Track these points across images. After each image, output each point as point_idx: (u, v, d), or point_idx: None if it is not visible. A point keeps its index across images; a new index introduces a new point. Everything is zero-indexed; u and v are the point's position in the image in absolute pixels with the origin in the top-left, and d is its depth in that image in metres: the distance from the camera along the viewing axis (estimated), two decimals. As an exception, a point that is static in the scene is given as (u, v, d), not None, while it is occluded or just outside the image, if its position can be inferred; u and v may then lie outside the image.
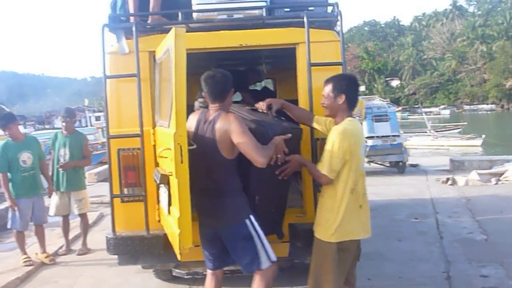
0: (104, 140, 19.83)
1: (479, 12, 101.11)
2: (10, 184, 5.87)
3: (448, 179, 10.79)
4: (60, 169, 6.21)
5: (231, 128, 3.11)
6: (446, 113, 68.41)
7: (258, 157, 3.01)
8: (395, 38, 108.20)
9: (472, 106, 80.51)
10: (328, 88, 3.32)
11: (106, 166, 8.53)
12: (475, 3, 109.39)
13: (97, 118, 50.79)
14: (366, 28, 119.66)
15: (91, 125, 36.72)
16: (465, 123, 36.68)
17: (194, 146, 3.18)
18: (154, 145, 3.96)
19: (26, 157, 5.94)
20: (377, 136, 13.00)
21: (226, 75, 3.36)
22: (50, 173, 6.34)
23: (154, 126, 4.01)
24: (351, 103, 3.30)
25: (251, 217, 3.27)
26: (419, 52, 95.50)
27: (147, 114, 4.00)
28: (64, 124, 6.38)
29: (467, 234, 6.68)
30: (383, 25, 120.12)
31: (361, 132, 3.36)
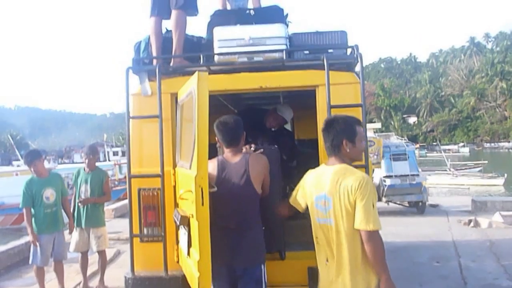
0: (121, 176, 20.09)
1: (498, 49, 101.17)
2: (32, 220, 5.95)
3: (470, 221, 10.54)
4: (80, 204, 6.29)
5: (265, 168, 3.49)
6: (465, 151, 67.74)
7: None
8: (411, 75, 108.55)
9: (492, 144, 79.64)
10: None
11: (123, 202, 8.60)
12: (493, 39, 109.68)
13: (115, 153, 51.45)
14: (382, 65, 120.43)
15: (109, 160, 37.11)
16: (486, 161, 36.18)
17: (215, 189, 3.21)
18: (175, 186, 3.99)
19: (49, 194, 6.03)
20: (396, 175, 12.87)
21: (238, 121, 3.55)
22: (71, 209, 6.41)
23: (174, 167, 4.04)
24: None
25: (264, 265, 3.41)
26: (436, 89, 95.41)
27: (168, 154, 4.05)
28: (86, 161, 6.49)
29: (492, 279, 6.47)
30: (399, 62, 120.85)
31: None
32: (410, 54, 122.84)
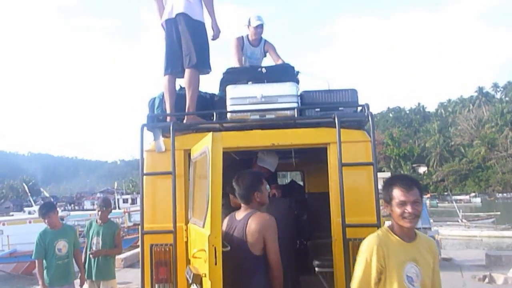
0: (131, 224, 20.03)
1: (507, 99, 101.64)
2: (44, 271, 5.97)
3: (485, 277, 10.27)
4: (91, 256, 6.33)
5: (266, 233, 3.32)
6: (477, 201, 66.92)
7: (275, 263, 3.33)
8: (420, 124, 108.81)
9: (505, 194, 78.62)
10: (417, 192, 2.76)
11: (133, 251, 8.59)
12: (502, 89, 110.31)
13: (125, 201, 51.52)
14: (390, 115, 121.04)
15: (119, 208, 37.13)
16: (498, 212, 35.62)
17: (228, 248, 3.22)
18: (187, 241, 3.99)
19: (62, 245, 6.06)
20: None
21: (253, 178, 3.55)
22: (83, 261, 6.43)
23: (187, 223, 4.06)
24: None
25: None
26: (446, 139, 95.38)
27: (181, 210, 4.07)
28: (99, 213, 6.57)
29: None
30: (407, 112, 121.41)
31: None
32: (419, 103, 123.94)
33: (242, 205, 3.53)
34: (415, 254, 2.75)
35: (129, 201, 53.12)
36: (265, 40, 6.05)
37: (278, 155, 6.05)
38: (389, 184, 2.82)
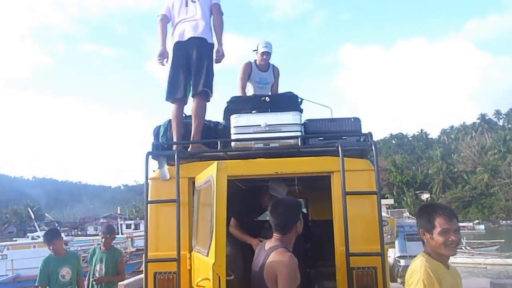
0: (133, 249, 19.91)
1: (509, 126, 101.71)
2: None
3: (490, 305, 10.17)
4: (94, 283, 6.30)
5: (281, 272, 3.01)
6: (481, 228, 66.41)
7: None
8: (423, 151, 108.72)
9: (509, 221, 77.98)
10: (457, 221, 2.82)
11: (136, 278, 8.58)
12: (505, 116, 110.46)
13: (128, 226, 51.27)
14: (393, 141, 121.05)
15: (122, 233, 36.95)
16: (503, 240, 35.31)
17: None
18: (190, 270, 3.99)
19: (65, 272, 6.05)
20: (410, 256, 12.64)
21: (291, 207, 3.32)
22: None
23: (190, 251, 4.06)
24: None
25: None
26: (448, 165, 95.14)
27: (184, 238, 4.08)
28: (103, 240, 6.56)
29: None
30: (410, 138, 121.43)
31: None
32: (421, 130, 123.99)
33: (275, 235, 3.25)
34: (453, 282, 2.79)
35: (132, 226, 52.85)
36: (273, 66, 6.14)
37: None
38: (430, 212, 2.80)
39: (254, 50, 6.07)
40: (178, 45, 4.75)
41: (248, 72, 6.00)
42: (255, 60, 6.08)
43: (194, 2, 4.78)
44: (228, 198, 3.05)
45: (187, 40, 4.68)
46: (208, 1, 4.81)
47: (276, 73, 6.14)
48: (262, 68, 6.03)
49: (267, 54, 5.98)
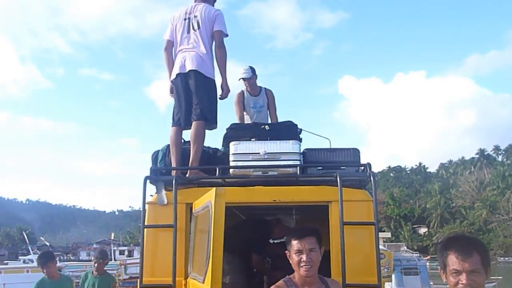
0: (126, 276, 19.71)
1: (508, 162, 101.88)
2: None
3: None
4: None
5: None
6: (479, 264, 65.67)
7: None
8: (421, 185, 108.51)
9: (506, 258, 77.27)
10: (478, 259, 2.32)
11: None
12: (504, 152, 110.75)
13: (121, 252, 50.77)
14: (391, 174, 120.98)
15: (115, 260, 36.63)
16: (500, 277, 34.89)
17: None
18: (185, 296, 3.94)
19: None
20: (407, 290, 12.51)
21: None
22: None
23: (186, 277, 4.02)
24: None
25: None
26: (447, 200, 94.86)
27: (180, 264, 4.04)
28: (96, 265, 6.52)
29: None
30: (408, 171, 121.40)
31: None
32: (420, 163, 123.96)
33: None
34: None
35: (126, 253, 52.35)
36: (265, 88, 6.24)
37: (278, 211, 6.05)
38: (444, 246, 2.44)
39: (239, 79, 6.17)
40: (179, 76, 4.80)
41: (242, 100, 6.13)
42: (246, 88, 6.21)
43: (195, 31, 4.80)
44: (235, 229, 3.09)
45: (187, 72, 4.74)
46: (209, 28, 4.81)
47: (269, 95, 6.24)
48: (253, 93, 6.17)
49: (246, 80, 6.11)
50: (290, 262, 3.11)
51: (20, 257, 41.31)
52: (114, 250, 47.10)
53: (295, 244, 3.07)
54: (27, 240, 35.19)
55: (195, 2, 5.00)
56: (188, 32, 4.83)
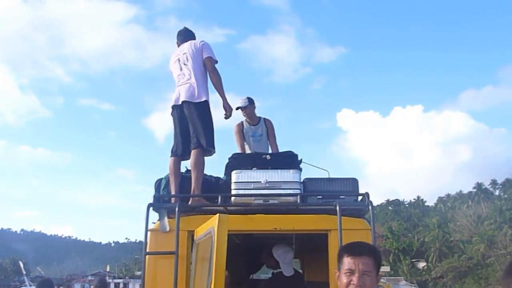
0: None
1: (505, 196, 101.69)
2: None
3: None
4: None
5: None
6: (477, 299, 64.96)
7: None
8: (419, 219, 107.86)
9: (505, 294, 76.34)
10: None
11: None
12: (501, 186, 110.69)
13: (116, 285, 50.08)
14: (390, 207, 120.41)
15: (110, 292, 36.13)
16: (499, 313, 34.53)
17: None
18: (186, 324, 3.96)
19: None
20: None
21: None
22: None
23: (187, 304, 4.05)
24: None
25: None
26: (445, 234, 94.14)
27: (181, 291, 4.07)
28: None
29: None
30: (407, 205, 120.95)
31: None
32: (418, 197, 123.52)
33: None
34: None
35: (121, 285, 51.61)
36: (264, 118, 6.36)
37: (278, 240, 6.06)
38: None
39: (237, 109, 6.30)
40: (174, 108, 5.07)
41: (241, 129, 6.28)
42: (245, 118, 6.37)
43: (186, 65, 5.06)
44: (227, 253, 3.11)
45: (181, 104, 4.96)
46: (199, 58, 5.06)
47: (268, 124, 6.36)
48: (252, 123, 6.31)
49: (243, 109, 6.24)
50: (338, 284, 2.52)
51: (12, 290, 40.67)
52: (109, 283, 46.52)
53: (347, 261, 2.47)
54: (23, 271, 34.60)
55: (179, 44, 5.32)
56: (181, 69, 5.09)
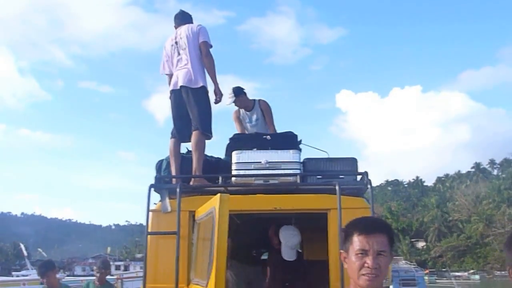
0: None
1: (504, 175, 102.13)
2: None
3: None
4: None
5: None
6: (476, 278, 65.70)
7: None
8: (418, 199, 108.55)
9: (503, 272, 77.07)
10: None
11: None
12: (499, 166, 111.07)
13: (117, 267, 50.42)
14: (389, 188, 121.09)
15: (111, 275, 36.42)
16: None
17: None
18: (187, 302, 4.03)
19: None
20: (405, 301, 12.55)
21: None
22: None
23: (188, 283, 4.11)
24: None
25: None
26: (444, 214, 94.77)
27: (183, 270, 4.13)
28: (98, 275, 6.54)
29: None
30: (406, 185, 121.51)
31: None
32: (417, 177, 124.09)
33: None
34: None
35: (122, 268, 52.01)
36: (258, 100, 6.28)
37: (278, 220, 6.10)
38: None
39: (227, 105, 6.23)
40: (173, 93, 5.11)
41: (238, 116, 6.23)
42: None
43: (184, 49, 5.08)
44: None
45: (179, 88, 5.00)
46: (196, 42, 5.09)
47: (263, 106, 6.25)
48: (247, 109, 6.22)
49: (235, 104, 6.14)
50: (345, 267, 2.18)
51: (13, 273, 40.90)
52: (110, 265, 46.85)
53: (357, 241, 2.08)
54: (25, 253, 34.77)
55: (176, 27, 5.30)
56: (179, 54, 5.12)
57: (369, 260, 2.03)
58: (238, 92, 6.11)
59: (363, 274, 2.04)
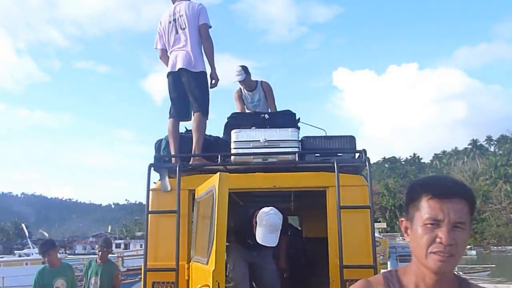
0: (124, 269, 19.84)
1: (500, 152, 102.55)
2: None
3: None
4: None
5: None
6: (472, 253, 66.31)
7: None
8: (415, 175, 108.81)
9: (499, 247, 78.00)
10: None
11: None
12: (496, 142, 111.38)
13: (118, 246, 50.80)
14: (386, 165, 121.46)
15: (112, 253, 36.70)
16: (494, 265, 35.28)
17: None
18: (188, 280, 4.09)
19: (60, 284, 6.05)
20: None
21: None
22: None
23: (189, 261, 4.17)
24: None
25: None
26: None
27: (183, 249, 4.18)
28: (100, 253, 6.58)
29: None
30: (403, 162, 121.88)
31: None
32: (414, 154, 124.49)
33: None
34: None
35: (122, 246, 52.42)
36: (261, 82, 6.29)
37: (277, 198, 6.15)
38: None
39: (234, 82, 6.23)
40: (171, 75, 4.97)
41: (240, 96, 6.23)
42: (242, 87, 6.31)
43: (184, 29, 4.95)
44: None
45: (178, 71, 4.89)
46: (196, 24, 4.96)
47: (265, 87, 6.25)
48: (249, 89, 6.21)
49: (241, 82, 6.16)
50: (408, 240, 1.64)
51: (15, 252, 41.20)
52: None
53: (428, 207, 1.52)
54: (26, 233, 34.99)
55: (174, 1, 5.14)
56: (177, 32, 4.98)
57: (442, 234, 1.48)
58: (247, 70, 6.16)
59: (433, 252, 1.50)
